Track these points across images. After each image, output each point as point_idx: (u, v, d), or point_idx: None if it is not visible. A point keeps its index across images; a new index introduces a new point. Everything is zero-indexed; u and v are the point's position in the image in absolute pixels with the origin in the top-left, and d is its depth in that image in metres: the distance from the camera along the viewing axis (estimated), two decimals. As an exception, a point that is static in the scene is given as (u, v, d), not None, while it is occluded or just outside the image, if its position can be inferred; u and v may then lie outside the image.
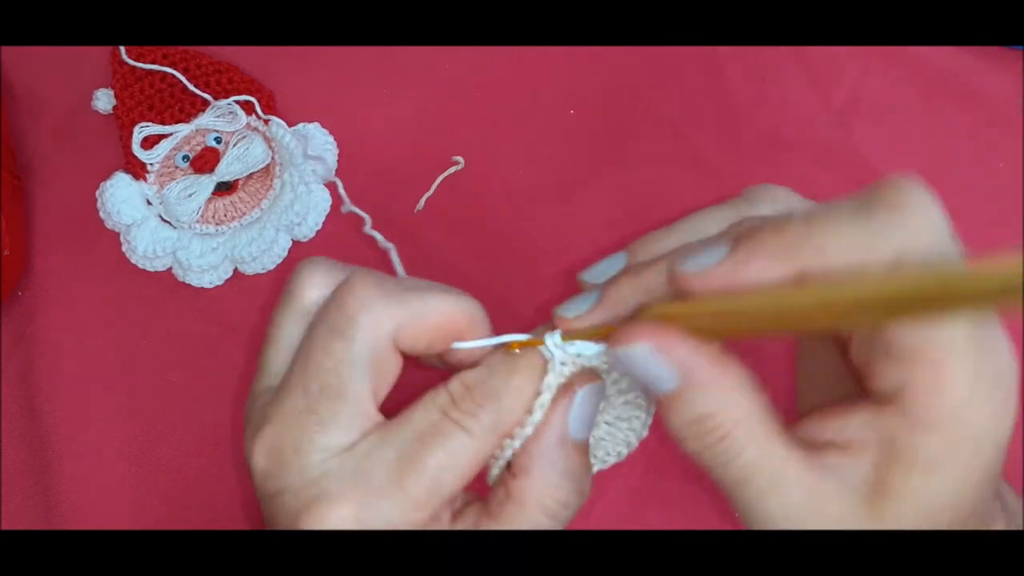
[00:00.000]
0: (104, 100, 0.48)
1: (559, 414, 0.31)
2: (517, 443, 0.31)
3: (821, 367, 0.32)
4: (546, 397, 0.31)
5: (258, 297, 0.46)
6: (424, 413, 0.30)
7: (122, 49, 0.47)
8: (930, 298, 0.22)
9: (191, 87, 0.47)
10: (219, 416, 0.45)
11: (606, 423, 0.34)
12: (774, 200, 0.33)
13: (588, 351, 0.31)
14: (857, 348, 0.28)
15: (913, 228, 0.26)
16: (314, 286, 0.33)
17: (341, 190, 0.45)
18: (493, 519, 0.31)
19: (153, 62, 0.48)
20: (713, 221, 0.32)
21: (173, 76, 0.48)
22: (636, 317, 0.30)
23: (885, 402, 0.27)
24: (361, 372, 0.30)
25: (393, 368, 0.31)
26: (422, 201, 0.46)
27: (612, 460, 0.35)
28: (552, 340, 0.31)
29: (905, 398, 0.26)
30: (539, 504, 0.30)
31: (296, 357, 0.31)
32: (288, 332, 0.33)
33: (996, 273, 0.20)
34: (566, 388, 0.31)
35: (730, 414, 0.27)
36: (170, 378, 0.45)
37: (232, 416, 0.45)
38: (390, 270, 0.39)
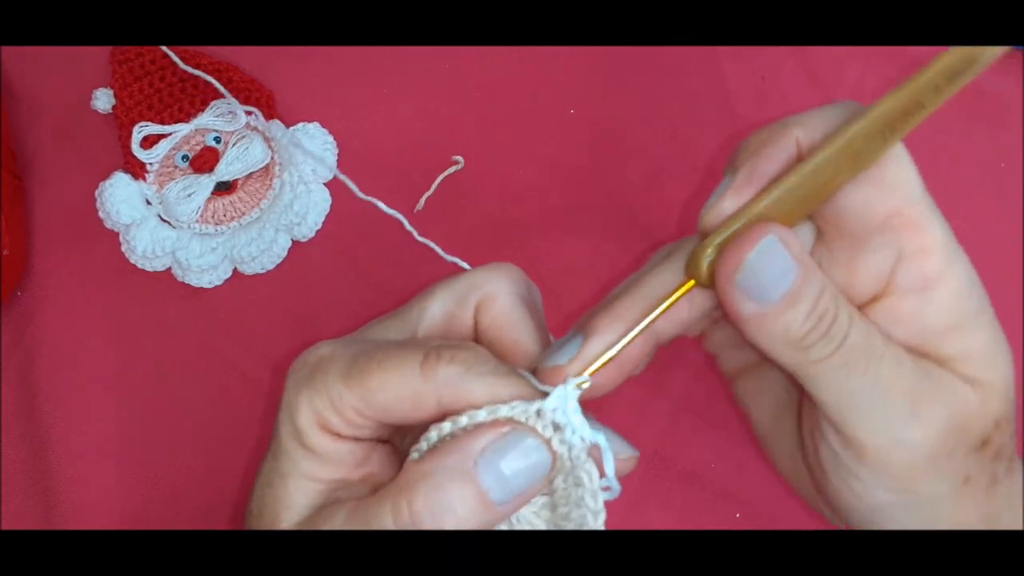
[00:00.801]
0: (104, 100, 0.48)
1: (487, 435, 0.28)
2: (450, 427, 0.28)
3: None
4: (503, 411, 0.28)
5: (257, 297, 0.46)
6: (421, 339, 0.31)
7: (165, 48, 0.47)
8: (907, 108, 0.30)
9: (222, 89, 0.47)
10: (219, 415, 0.45)
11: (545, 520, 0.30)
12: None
13: (581, 430, 0.28)
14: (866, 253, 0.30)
15: (852, 107, 0.30)
16: (471, 286, 0.32)
17: (349, 183, 0.45)
18: (367, 499, 0.29)
19: (153, 62, 0.48)
20: (656, 281, 0.31)
21: (173, 76, 0.48)
22: (699, 267, 0.29)
23: (880, 298, 0.30)
24: (445, 298, 0.32)
25: (463, 322, 0.32)
26: (422, 201, 0.46)
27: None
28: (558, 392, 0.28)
29: (903, 268, 0.30)
30: (397, 495, 0.28)
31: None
32: (432, 304, 0.32)
33: (952, 56, 0.30)
34: (516, 424, 0.28)
35: (832, 293, 0.29)
36: (169, 378, 0.45)
37: (232, 415, 0.45)
38: (390, 268, 0.39)
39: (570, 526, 0.29)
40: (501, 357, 0.30)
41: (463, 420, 0.28)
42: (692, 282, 0.29)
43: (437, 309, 0.32)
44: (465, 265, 0.42)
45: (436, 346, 0.29)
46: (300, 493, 0.30)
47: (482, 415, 0.28)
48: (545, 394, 0.28)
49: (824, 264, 0.31)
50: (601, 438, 0.28)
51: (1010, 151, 0.46)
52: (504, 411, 0.28)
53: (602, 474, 0.29)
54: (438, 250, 0.39)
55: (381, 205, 0.44)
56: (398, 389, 0.29)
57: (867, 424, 0.29)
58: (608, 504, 0.42)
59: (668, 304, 0.30)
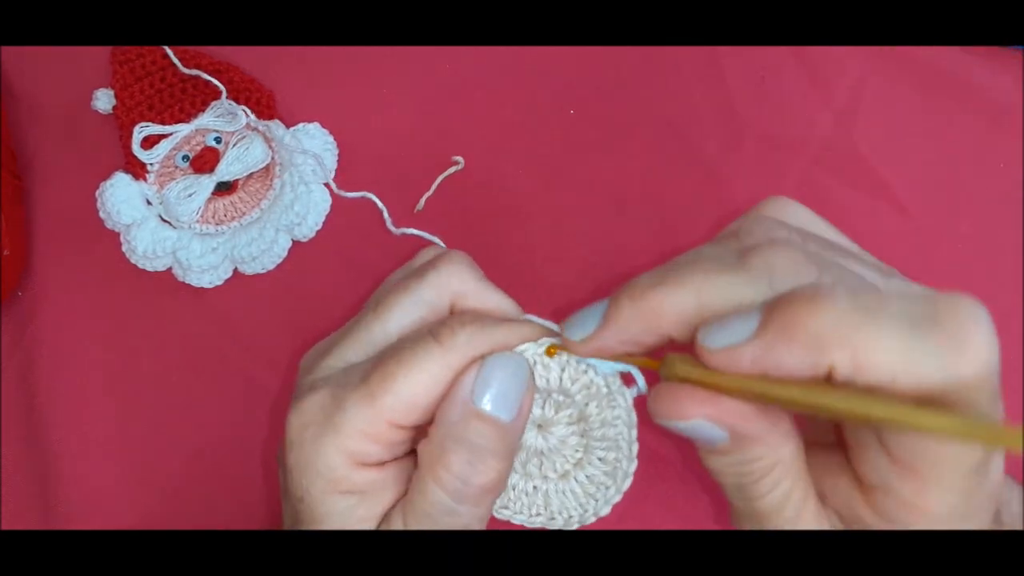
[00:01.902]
0: (104, 100, 0.48)
1: (467, 376, 0.29)
2: None
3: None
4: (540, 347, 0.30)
5: (258, 297, 0.46)
6: (415, 330, 0.31)
7: (167, 49, 0.47)
8: (951, 435, 0.23)
9: (225, 90, 0.47)
10: (219, 415, 0.45)
11: (575, 478, 0.33)
12: (770, 235, 0.29)
13: (600, 366, 0.31)
14: (850, 431, 0.28)
15: (963, 361, 0.24)
16: (439, 288, 0.32)
17: (338, 190, 0.45)
18: (408, 493, 0.30)
19: (153, 62, 0.48)
20: (703, 272, 0.28)
21: (174, 76, 0.48)
22: (665, 371, 0.28)
23: (865, 485, 0.28)
24: (412, 303, 0.32)
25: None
26: (422, 201, 0.46)
27: (559, 523, 0.33)
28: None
29: (883, 496, 0.27)
30: (432, 470, 0.29)
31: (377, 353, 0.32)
32: (401, 316, 0.32)
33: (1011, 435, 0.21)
34: (480, 360, 0.30)
35: (771, 459, 0.27)
36: (170, 378, 0.45)
37: (232, 415, 0.45)
38: (390, 268, 0.39)
39: (603, 448, 0.32)
40: None
41: None
42: (655, 365, 0.29)
43: (406, 321, 0.32)
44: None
45: (437, 324, 0.30)
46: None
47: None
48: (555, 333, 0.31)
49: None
50: (628, 367, 0.31)
51: (1010, 151, 0.46)
52: (532, 349, 0.30)
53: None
54: (434, 239, 0.39)
55: (373, 198, 0.44)
56: (430, 375, 0.29)
57: None
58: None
59: (639, 363, 0.30)
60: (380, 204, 0.43)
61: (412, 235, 0.45)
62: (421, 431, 0.30)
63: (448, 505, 0.29)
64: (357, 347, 0.32)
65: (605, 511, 0.32)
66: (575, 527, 0.32)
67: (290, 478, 0.30)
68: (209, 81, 0.47)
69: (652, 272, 0.28)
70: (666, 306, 0.27)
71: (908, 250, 0.45)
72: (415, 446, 0.31)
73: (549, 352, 0.31)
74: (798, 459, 0.28)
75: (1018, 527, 0.32)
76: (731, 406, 0.26)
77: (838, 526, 0.29)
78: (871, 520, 0.27)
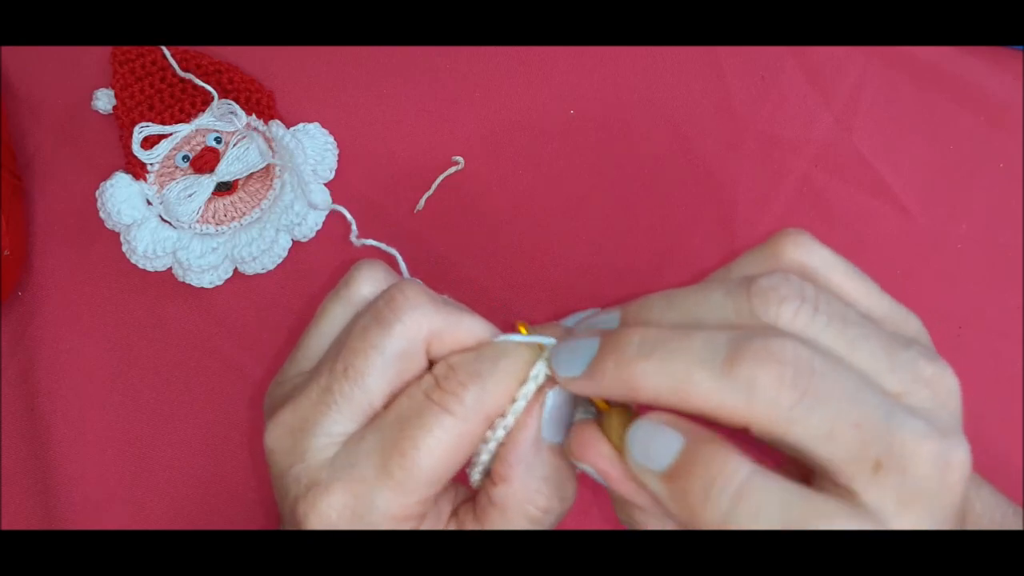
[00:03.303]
0: (104, 100, 0.48)
1: (533, 416, 0.30)
2: (500, 432, 0.31)
3: None
4: (530, 387, 0.30)
5: (258, 297, 0.46)
6: (409, 398, 0.30)
7: (166, 51, 0.47)
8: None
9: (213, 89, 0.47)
10: (219, 416, 0.45)
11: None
12: (787, 281, 0.29)
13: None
14: None
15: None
16: (369, 282, 0.33)
17: (348, 214, 0.45)
18: (478, 522, 0.31)
19: (153, 62, 0.48)
20: (707, 298, 0.29)
21: (174, 77, 0.48)
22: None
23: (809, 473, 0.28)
24: (386, 362, 0.30)
25: (416, 369, 0.31)
26: (422, 201, 0.46)
27: None
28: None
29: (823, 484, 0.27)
30: (520, 511, 0.30)
31: (333, 342, 0.32)
32: (333, 320, 0.33)
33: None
34: (538, 392, 0.31)
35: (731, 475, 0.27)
36: (170, 378, 0.45)
37: (233, 415, 0.45)
38: (391, 263, 0.39)
39: None
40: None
41: (511, 420, 0.31)
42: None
43: (384, 384, 0.31)
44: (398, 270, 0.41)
45: (434, 388, 0.30)
46: None
47: (521, 404, 0.31)
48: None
49: None
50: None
51: (1010, 151, 0.46)
52: (532, 388, 0.31)
53: None
54: (393, 253, 0.39)
55: (342, 210, 0.44)
56: (449, 447, 0.29)
57: None
58: (608, 503, 0.43)
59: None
60: (348, 216, 0.43)
61: (420, 228, 0.45)
62: None
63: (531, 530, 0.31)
64: (343, 419, 0.30)
65: None
66: None
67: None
68: (199, 83, 0.47)
69: (644, 335, 0.28)
70: (647, 384, 0.28)
71: (908, 250, 0.45)
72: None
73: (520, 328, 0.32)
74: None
75: (983, 527, 0.32)
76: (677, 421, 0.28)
77: None
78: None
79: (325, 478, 0.29)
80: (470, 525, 0.31)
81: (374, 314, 0.31)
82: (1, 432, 0.45)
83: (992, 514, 0.32)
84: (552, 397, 0.31)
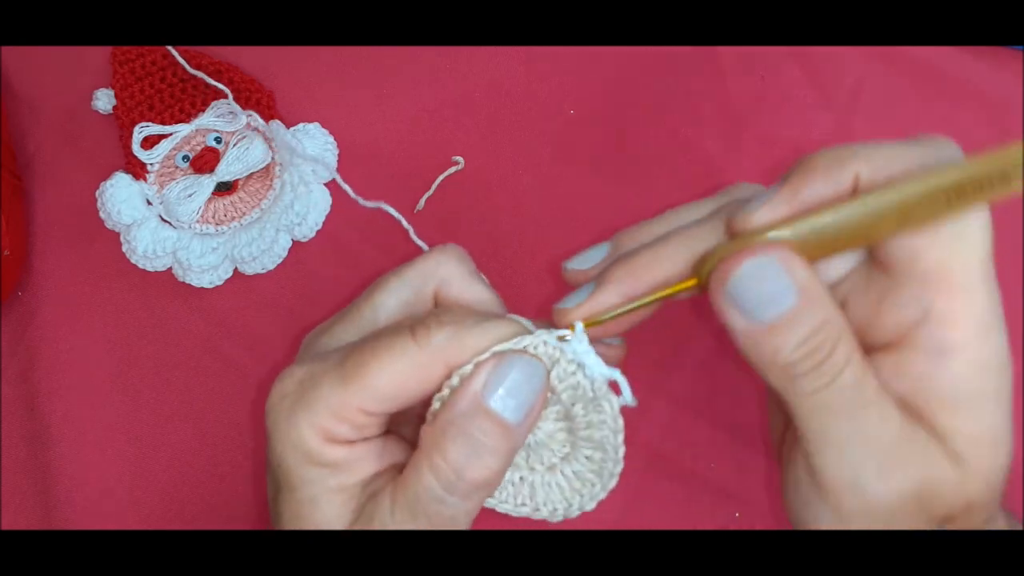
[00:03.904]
0: (104, 100, 0.48)
1: (483, 370, 0.29)
2: (446, 392, 0.30)
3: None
4: (506, 347, 0.30)
5: (258, 297, 0.46)
6: (396, 322, 0.31)
7: (171, 48, 0.47)
8: (983, 180, 0.28)
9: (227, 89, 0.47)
10: (219, 416, 0.45)
11: (562, 472, 0.32)
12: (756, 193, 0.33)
13: (582, 352, 0.30)
14: (871, 289, 0.30)
15: (949, 150, 0.29)
16: (425, 274, 0.33)
17: (345, 187, 0.45)
18: (402, 476, 0.30)
19: (153, 62, 0.48)
20: (697, 209, 0.33)
21: (174, 77, 0.48)
22: (707, 265, 0.29)
23: (896, 346, 0.29)
24: (400, 284, 0.33)
25: (421, 304, 0.33)
26: (422, 201, 0.46)
27: (543, 514, 0.33)
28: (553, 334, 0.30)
29: (927, 327, 0.28)
30: (428, 455, 0.29)
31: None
32: (386, 299, 0.33)
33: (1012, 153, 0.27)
34: (499, 356, 0.30)
35: (838, 325, 0.28)
36: (170, 378, 0.45)
37: (233, 415, 0.45)
38: (391, 268, 0.39)
39: (590, 447, 0.32)
40: None
41: (467, 368, 0.29)
42: (695, 281, 0.30)
43: (392, 302, 0.33)
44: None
45: (417, 319, 0.30)
46: (338, 507, 0.30)
47: (484, 357, 0.29)
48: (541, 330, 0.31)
49: (857, 292, 0.30)
50: (617, 373, 0.31)
51: (1010, 151, 0.46)
52: (507, 348, 0.30)
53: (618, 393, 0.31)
54: (425, 247, 0.39)
55: (387, 207, 0.44)
56: (401, 370, 0.29)
57: (836, 465, 0.29)
58: (608, 504, 0.43)
59: (668, 293, 0.30)
60: (396, 213, 0.43)
61: (413, 236, 0.45)
62: (397, 415, 0.31)
63: (437, 493, 0.29)
64: (348, 327, 0.32)
65: (590, 507, 0.32)
66: (559, 520, 0.33)
67: (269, 444, 0.31)
68: (211, 82, 0.47)
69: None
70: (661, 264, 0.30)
71: (908, 250, 0.45)
72: (391, 427, 0.32)
73: (561, 336, 0.31)
74: (854, 343, 0.29)
75: None
76: (796, 256, 0.28)
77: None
78: (920, 365, 0.29)
79: (302, 359, 0.31)
80: (394, 483, 0.30)
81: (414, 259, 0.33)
82: (1, 432, 0.45)
83: None
84: (510, 362, 0.29)
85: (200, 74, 0.47)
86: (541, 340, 0.30)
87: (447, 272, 0.33)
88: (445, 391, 0.30)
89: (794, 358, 0.28)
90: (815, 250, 0.28)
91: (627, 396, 0.31)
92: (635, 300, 0.31)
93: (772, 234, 0.28)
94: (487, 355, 0.29)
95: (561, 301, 0.32)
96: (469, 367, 0.30)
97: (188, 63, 0.47)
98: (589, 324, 0.31)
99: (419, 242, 0.38)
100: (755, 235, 0.29)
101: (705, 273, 0.29)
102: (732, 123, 0.47)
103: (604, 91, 0.47)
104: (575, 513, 0.33)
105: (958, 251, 0.28)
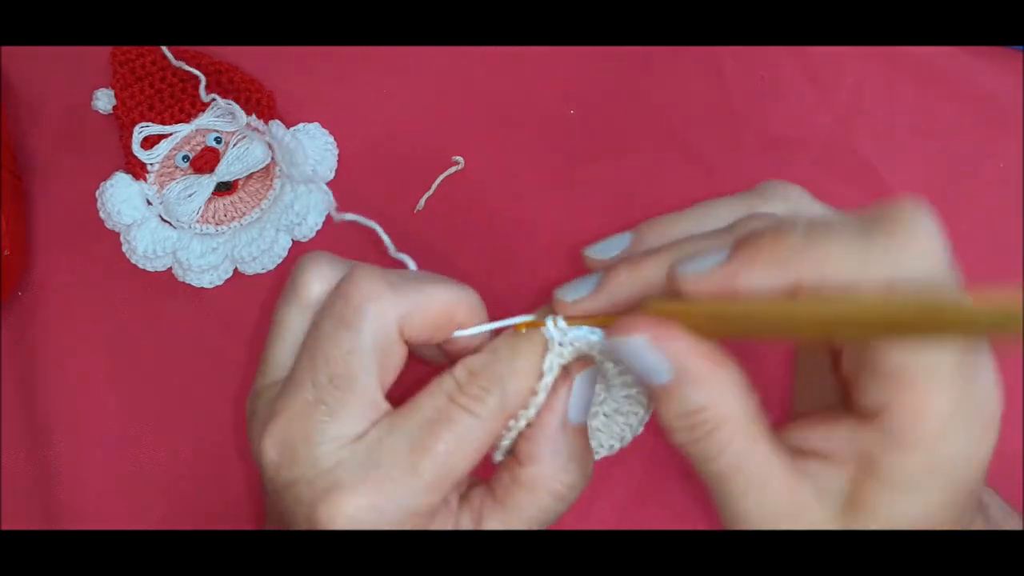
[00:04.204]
0: (104, 100, 0.48)
1: (559, 400, 0.32)
2: (522, 423, 0.32)
3: (816, 373, 0.32)
4: (548, 379, 0.32)
5: (258, 297, 0.46)
6: (432, 400, 0.31)
7: (164, 49, 0.47)
8: (920, 323, 0.23)
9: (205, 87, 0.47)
10: (219, 416, 0.45)
11: (604, 414, 0.35)
12: (786, 199, 0.34)
13: (587, 337, 0.32)
14: (846, 360, 0.29)
15: (912, 254, 0.26)
16: (317, 280, 0.33)
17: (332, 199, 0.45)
18: (499, 503, 0.32)
19: (153, 62, 0.48)
20: (723, 212, 0.33)
21: (173, 77, 0.48)
22: (637, 310, 0.30)
23: (867, 418, 0.27)
24: (369, 361, 0.31)
25: (398, 358, 0.32)
26: (422, 201, 0.46)
27: (604, 452, 0.36)
28: (553, 323, 0.32)
29: (886, 417, 0.26)
30: (548, 489, 0.32)
31: (302, 351, 0.32)
32: (293, 326, 0.33)
33: (988, 306, 0.21)
34: (564, 374, 0.32)
35: (720, 411, 0.28)
36: (169, 377, 0.45)
37: (232, 416, 0.45)
38: (391, 263, 0.39)
39: (626, 388, 0.34)
40: (448, 330, 0.33)
41: (532, 412, 0.32)
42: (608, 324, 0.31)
43: (377, 374, 0.32)
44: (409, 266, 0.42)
45: (455, 388, 0.31)
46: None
47: (542, 397, 0.32)
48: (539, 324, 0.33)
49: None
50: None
51: (1010, 151, 0.46)
52: (549, 379, 0.32)
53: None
54: (411, 263, 0.39)
55: (362, 220, 0.43)
56: (478, 448, 0.31)
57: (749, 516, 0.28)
58: (608, 504, 0.43)
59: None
60: (380, 231, 0.43)
61: (421, 227, 0.45)
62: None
63: (559, 510, 0.32)
64: (348, 423, 0.31)
65: (639, 430, 0.35)
66: (615, 452, 0.36)
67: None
68: (208, 82, 0.47)
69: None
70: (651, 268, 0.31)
71: (908, 250, 0.45)
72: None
73: (517, 328, 0.33)
74: (750, 425, 0.28)
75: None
76: (676, 333, 0.28)
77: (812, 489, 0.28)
78: (877, 450, 0.27)
79: (348, 479, 0.29)
80: (488, 508, 0.32)
81: (337, 318, 0.31)
82: (1, 432, 0.45)
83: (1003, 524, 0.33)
84: (579, 381, 0.32)
85: (195, 71, 0.47)
86: (568, 340, 0.32)
87: (398, 311, 0.32)
88: (513, 432, 0.32)
89: (675, 426, 0.28)
90: (743, 331, 0.28)
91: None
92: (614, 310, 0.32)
93: (684, 308, 0.28)
94: (552, 378, 0.32)
95: (563, 289, 0.33)
96: (541, 397, 0.32)
97: (188, 63, 0.47)
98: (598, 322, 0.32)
99: (400, 256, 0.37)
100: (661, 303, 0.29)
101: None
102: (732, 123, 0.47)
103: (604, 91, 0.47)
104: (628, 440, 0.36)
105: (923, 354, 0.26)
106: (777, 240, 0.26)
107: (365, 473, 0.30)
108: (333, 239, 0.46)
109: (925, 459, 0.26)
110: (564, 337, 0.32)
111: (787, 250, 0.26)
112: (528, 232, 0.46)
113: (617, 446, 0.36)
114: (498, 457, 0.33)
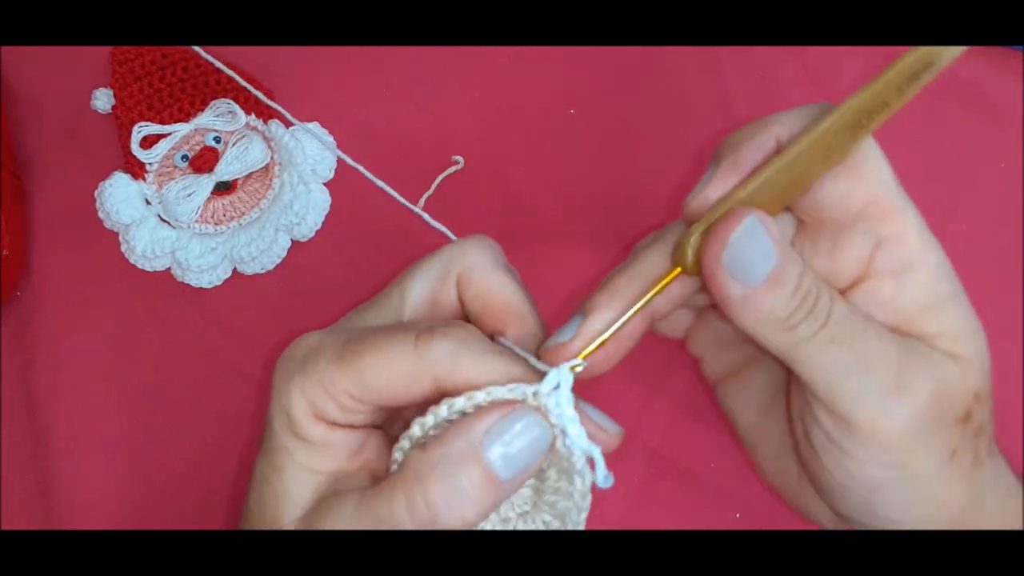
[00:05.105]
0: (103, 100, 0.48)
1: (489, 417, 0.28)
2: (429, 418, 0.29)
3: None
4: (500, 392, 0.28)
5: (258, 297, 0.46)
6: (411, 322, 0.32)
7: (199, 49, 0.47)
8: (883, 97, 0.32)
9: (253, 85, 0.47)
10: (219, 415, 0.45)
11: (514, 527, 0.31)
12: None
13: (568, 419, 0.29)
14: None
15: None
16: (449, 261, 0.33)
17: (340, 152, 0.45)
18: (373, 490, 0.29)
19: (152, 62, 0.48)
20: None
21: (172, 76, 0.48)
22: (685, 254, 0.30)
23: (860, 282, 0.31)
24: (424, 273, 0.33)
25: (446, 293, 0.33)
26: (422, 201, 0.46)
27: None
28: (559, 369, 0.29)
29: (883, 252, 0.31)
30: (408, 487, 0.28)
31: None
32: (413, 285, 0.33)
33: (912, 56, 0.32)
34: (511, 405, 0.28)
35: (812, 274, 0.30)
36: (169, 377, 0.45)
37: (232, 416, 0.45)
38: (390, 268, 0.39)
39: (551, 514, 0.31)
40: (494, 324, 0.32)
41: (460, 402, 0.28)
42: (679, 269, 0.30)
43: (419, 290, 0.33)
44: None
45: (428, 325, 0.30)
46: (299, 486, 0.30)
47: (481, 397, 0.28)
48: (542, 373, 0.29)
49: (805, 254, 0.32)
50: (596, 452, 0.29)
51: (1010, 151, 0.46)
52: (502, 393, 0.28)
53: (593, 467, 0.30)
54: (450, 234, 0.39)
55: (391, 191, 0.44)
56: (393, 368, 0.29)
57: (857, 399, 0.29)
58: (608, 504, 0.43)
59: (657, 290, 0.31)
60: (389, 188, 0.42)
61: (421, 226, 0.45)
62: (387, 412, 0.31)
63: (405, 526, 0.28)
64: (379, 311, 0.33)
65: None
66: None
67: (271, 397, 0.31)
68: (207, 81, 0.47)
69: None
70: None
71: (908, 250, 0.45)
72: (377, 422, 0.31)
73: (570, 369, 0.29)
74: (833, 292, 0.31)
75: (1005, 518, 0.32)
76: (764, 214, 0.30)
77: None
78: (889, 287, 0.31)
79: (318, 335, 0.31)
80: (364, 494, 0.29)
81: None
82: (1, 432, 0.45)
83: (998, 481, 0.33)
84: (522, 426, 0.28)
85: (221, 65, 0.47)
86: (541, 392, 0.28)
87: (471, 260, 0.32)
88: (429, 418, 0.29)
89: (791, 308, 0.29)
90: (766, 208, 0.30)
91: (600, 476, 0.29)
92: (625, 312, 0.31)
93: (731, 200, 0.30)
94: (493, 397, 0.28)
95: (551, 339, 0.31)
96: (461, 400, 0.28)
97: (188, 62, 0.47)
98: (585, 355, 0.30)
99: (440, 228, 0.37)
100: (720, 208, 0.30)
101: (688, 255, 0.30)
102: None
103: (604, 91, 0.47)
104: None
105: (879, 183, 0.31)
106: (746, 127, 0.31)
107: (331, 330, 0.31)
108: (333, 239, 0.46)
109: (932, 264, 0.31)
110: (555, 390, 0.28)
111: (756, 125, 0.31)
112: (528, 232, 0.46)
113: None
114: (403, 445, 0.30)
